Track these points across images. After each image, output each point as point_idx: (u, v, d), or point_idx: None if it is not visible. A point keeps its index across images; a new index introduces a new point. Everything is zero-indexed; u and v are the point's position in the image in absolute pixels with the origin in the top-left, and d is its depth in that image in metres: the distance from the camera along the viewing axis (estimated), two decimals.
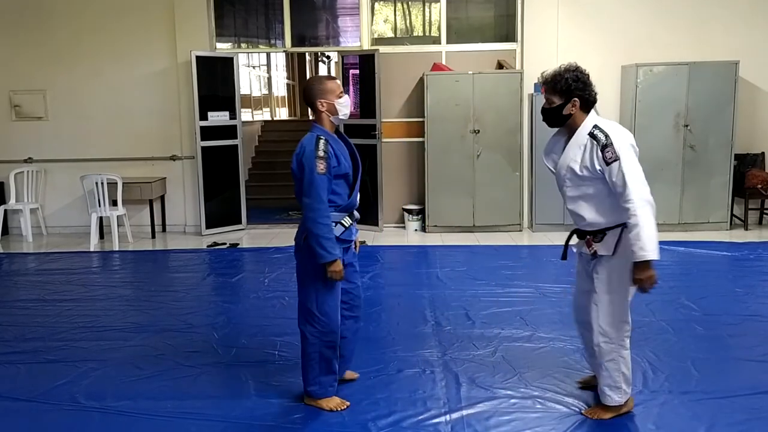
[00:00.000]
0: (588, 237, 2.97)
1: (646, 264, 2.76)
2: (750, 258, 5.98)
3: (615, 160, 2.75)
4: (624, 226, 2.83)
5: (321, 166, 2.91)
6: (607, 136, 2.80)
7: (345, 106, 3.08)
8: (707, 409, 3.12)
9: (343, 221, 3.07)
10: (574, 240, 3.13)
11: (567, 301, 4.85)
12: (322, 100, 3.04)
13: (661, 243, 6.92)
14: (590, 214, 2.91)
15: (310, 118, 3.20)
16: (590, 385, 3.33)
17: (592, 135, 2.84)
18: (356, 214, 3.19)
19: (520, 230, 7.41)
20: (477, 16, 8.11)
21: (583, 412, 3.12)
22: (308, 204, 2.94)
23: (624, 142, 2.80)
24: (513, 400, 3.25)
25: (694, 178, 7.09)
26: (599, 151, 2.79)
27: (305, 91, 3.12)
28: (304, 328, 3.11)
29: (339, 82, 3.19)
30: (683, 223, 7.15)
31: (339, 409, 3.14)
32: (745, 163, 7.26)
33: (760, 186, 7.05)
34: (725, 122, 6.99)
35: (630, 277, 2.84)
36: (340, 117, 3.08)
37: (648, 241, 2.71)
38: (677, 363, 3.65)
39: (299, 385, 3.27)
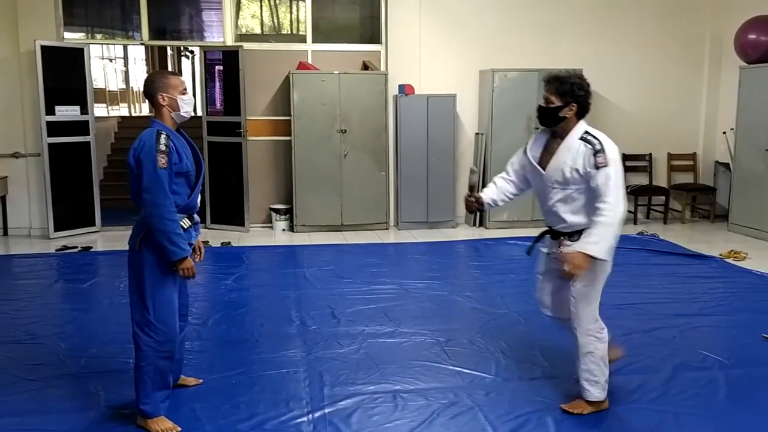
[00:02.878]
0: (561, 237, 3.06)
1: (588, 258, 2.84)
2: None
3: (605, 166, 2.85)
4: None
5: (162, 161, 2.77)
6: (600, 142, 2.90)
7: (188, 103, 2.96)
8: (551, 392, 3.35)
9: (182, 223, 2.91)
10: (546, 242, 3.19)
11: (428, 296, 5.03)
12: (164, 95, 2.91)
13: (515, 238, 7.25)
14: (571, 217, 2.99)
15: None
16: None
17: (584, 139, 2.92)
18: (196, 217, 3.06)
19: (387, 228, 7.56)
20: (343, 17, 8.16)
21: (562, 406, 3.15)
22: (152, 200, 2.78)
23: (614, 152, 2.91)
24: (375, 395, 3.30)
25: None
26: (592, 155, 2.88)
27: (146, 84, 2.98)
28: (139, 339, 2.91)
29: (183, 79, 3.08)
30: (535, 219, 7.62)
31: None
32: None
33: None
34: None
35: (597, 274, 2.94)
36: (182, 114, 2.96)
37: (604, 241, 2.83)
38: (527, 351, 3.88)
39: None
